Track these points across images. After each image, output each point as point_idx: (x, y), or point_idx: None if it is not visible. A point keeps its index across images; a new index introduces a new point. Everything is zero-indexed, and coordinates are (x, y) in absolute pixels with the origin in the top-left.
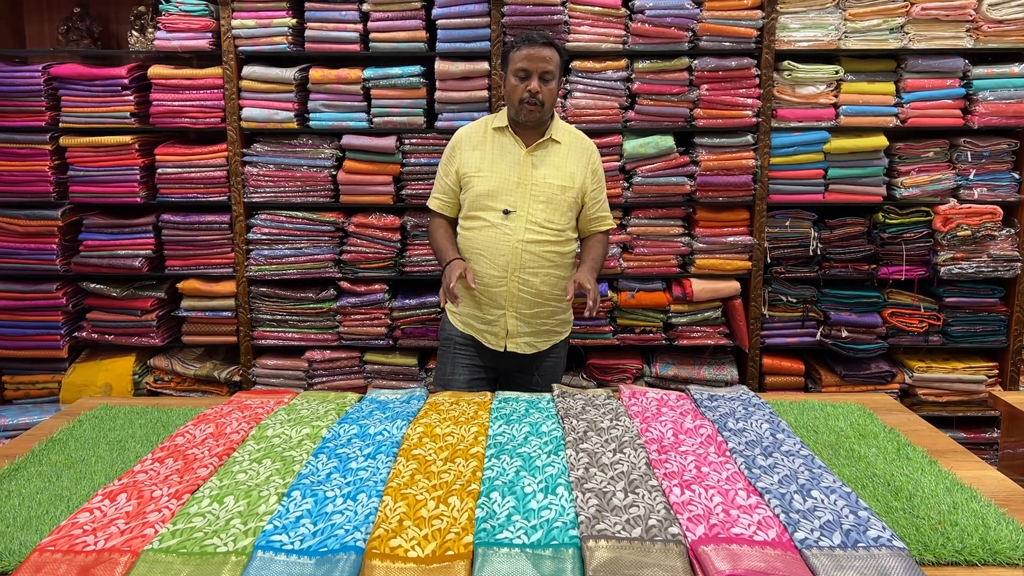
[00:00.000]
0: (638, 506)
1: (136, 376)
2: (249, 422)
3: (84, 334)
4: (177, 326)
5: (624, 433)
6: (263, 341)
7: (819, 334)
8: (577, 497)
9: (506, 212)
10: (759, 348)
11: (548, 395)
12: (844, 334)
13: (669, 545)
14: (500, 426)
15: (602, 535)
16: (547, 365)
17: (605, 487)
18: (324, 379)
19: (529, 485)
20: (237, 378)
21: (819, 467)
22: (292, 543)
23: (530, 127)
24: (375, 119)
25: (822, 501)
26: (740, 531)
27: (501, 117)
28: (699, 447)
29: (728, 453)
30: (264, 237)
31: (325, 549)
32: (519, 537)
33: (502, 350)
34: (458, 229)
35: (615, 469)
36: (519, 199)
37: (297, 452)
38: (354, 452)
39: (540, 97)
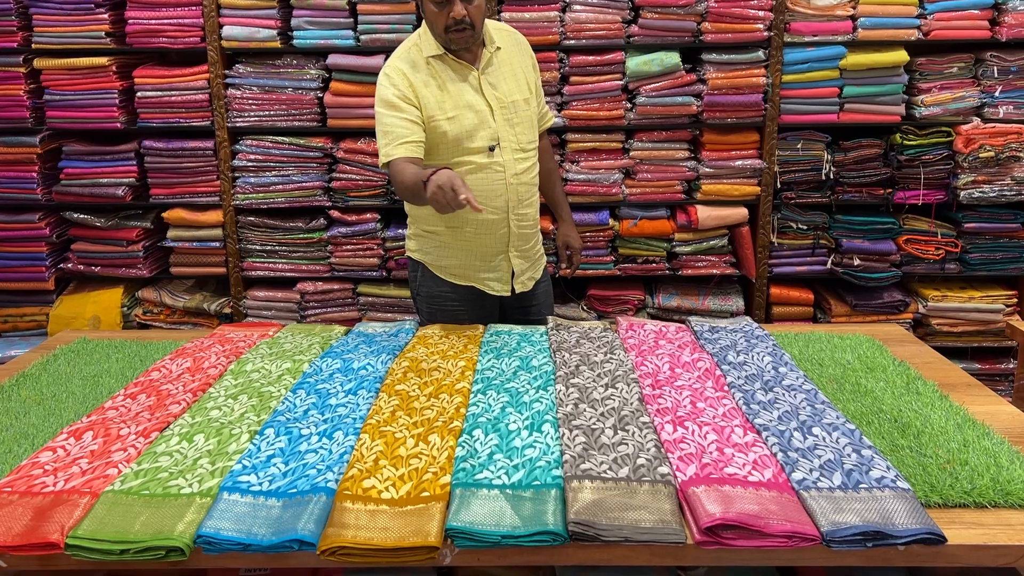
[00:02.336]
0: (627, 444)
1: (125, 308)
2: (229, 356)
3: (70, 265)
4: (165, 257)
5: (618, 367)
6: (253, 272)
7: (830, 262)
8: (564, 435)
9: (491, 148)
10: (767, 278)
11: (542, 328)
12: (856, 262)
13: (657, 486)
14: (489, 360)
15: (587, 475)
16: (541, 291)
17: (594, 424)
18: (317, 311)
19: (514, 422)
20: (228, 310)
21: (822, 403)
22: (260, 483)
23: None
24: (362, 36)
25: (823, 439)
26: (734, 471)
27: (430, 43)
28: (696, 381)
29: (726, 388)
30: (250, 164)
31: (295, 490)
32: (499, 477)
33: (509, 294)
34: None
35: (606, 405)
36: (499, 129)
37: (275, 388)
38: (335, 388)
39: (469, 19)
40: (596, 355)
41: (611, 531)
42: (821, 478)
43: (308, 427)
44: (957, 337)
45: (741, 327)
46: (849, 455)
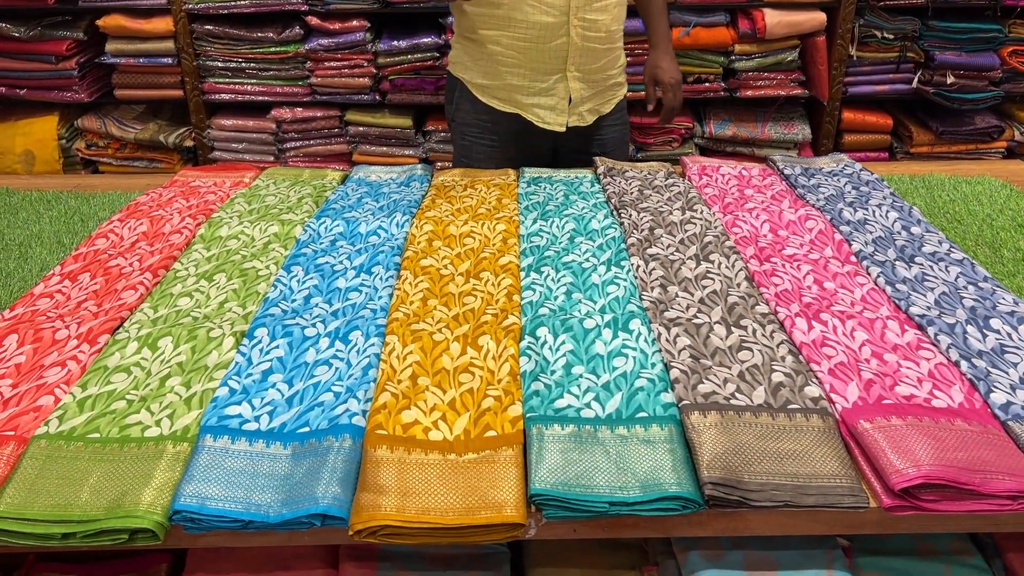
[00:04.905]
0: (751, 350)
1: (63, 141)
2: (196, 215)
3: None
4: (106, 77)
5: (705, 231)
6: (216, 96)
7: (916, 80)
8: (660, 335)
9: None
10: (839, 100)
11: (587, 173)
12: (949, 80)
13: (812, 419)
14: (534, 222)
15: (711, 403)
16: (611, 136)
17: (696, 317)
18: (298, 144)
19: (589, 316)
20: (189, 143)
21: (985, 279)
22: (257, 418)
23: None
24: None
25: (1009, 336)
26: (910, 391)
27: None
28: (811, 250)
29: (855, 259)
30: None
31: (306, 429)
32: (589, 406)
33: (562, 128)
34: None
35: (703, 287)
36: None
37: (262, 262)
38: (340, 263)
39: None
40: (671, 212)
41: (762, 492)
42: None
43: (313, 324)
44: None
45: (840, 168)
46: None
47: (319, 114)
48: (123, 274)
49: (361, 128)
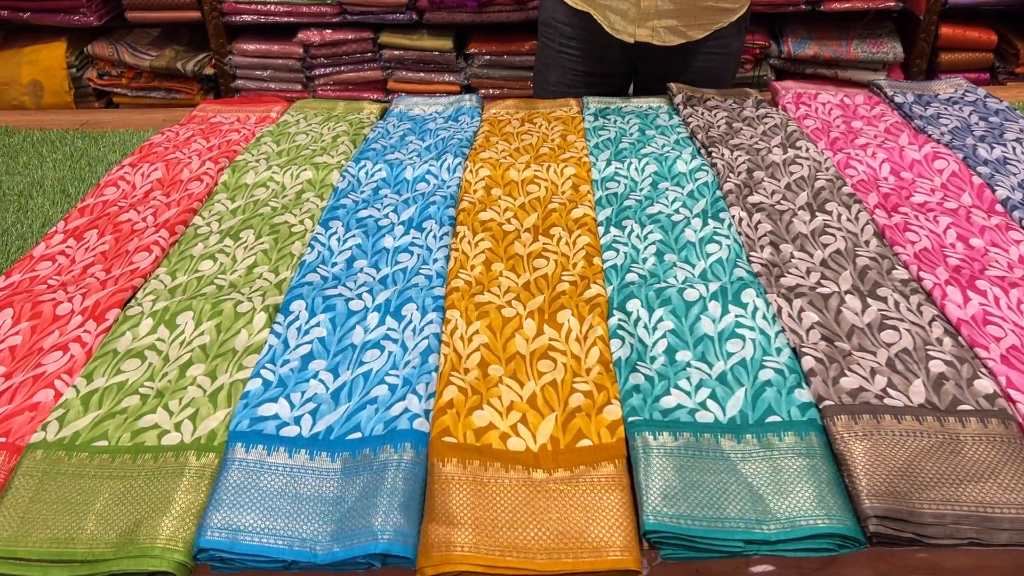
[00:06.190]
0: (895, 328)
1: (73, 70)
2: (218, 159)
3: None
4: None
5: (815, 173)
6: (238, 18)
7: None
8: (781, 309)
9: None
10: (937, 12)
11: (661, 102)
12: None
13: (991, 425)
14: (608, 164)
15: (862, 405)
16: (702, 67)
17: (821, 286)
18: (327, 71)
19: (689, 283)
20: (209, 70)
21: None
22: (298, 418)
23: None
24: None
25: None
26: None
27: None
28: (946, 197)
29: (1000, 207)
30: None
31: (358, 435)
32: (705, 408)
33: (631, 39)
34: None
35: (823, 245)
36: None
37: (295, 215)
38: (386, 215)
39: None
40: (770, 151)
41: (940, 527)
42: None
43: (359, 295)
44: None
45: (960, 95)
46: None
47: (350, 36)
48: (135, 231)
49: (396, 52)
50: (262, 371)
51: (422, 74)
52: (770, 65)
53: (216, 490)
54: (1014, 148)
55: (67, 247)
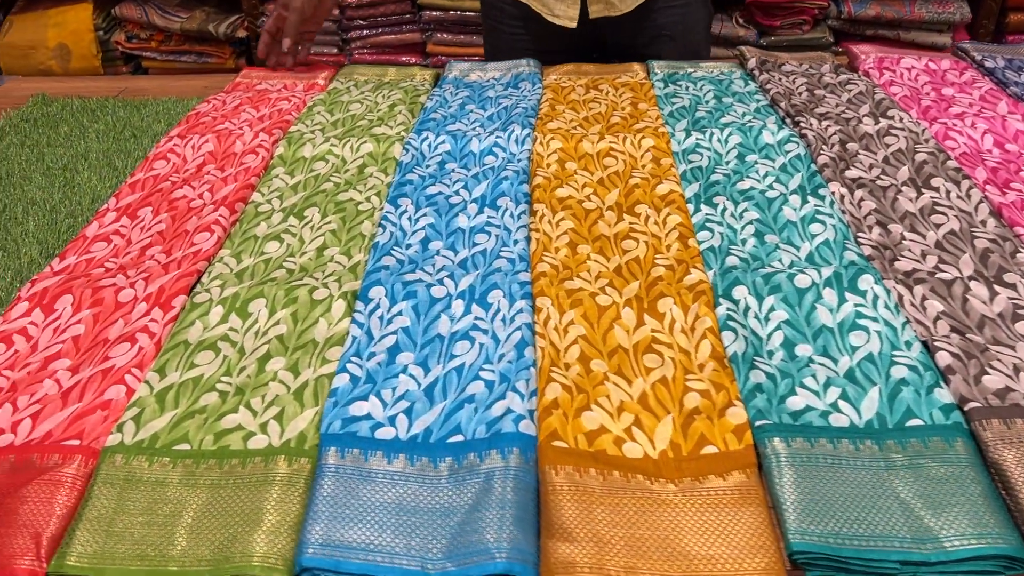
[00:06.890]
0: None
1: (100, 33)
2: (271, 130)
3: None
4: None
5: (914, 144)
6: None
7: None
8: (903, 298)
9: None
10: None
11: (731, 67)
12: None
13: None
14: (687, 135)
15: (1012, 407)
16: (668, 22)
17: (940, 270)
18: (365, 33)
19: (798, 268)
20: (242, 33)
21: None
22: (392, 419)
23: None
24: None
25: None
26: None
27: None
28: None
29: None
30: None
31: (459, 438)
32: (836, 409)
33: (573, 24)
34: None
35: (937, 228)
36: None
37: (360, 192)
38: (456, 192)
39: None
40: (860, 121)
41: None
42: None
43: (439, 280)
44: None
45: None
46: None
47: None
48: (192, 209)
49: (436, 13)
50: (348, 365)
51: (463, 36)
52: (828, 26)
53: (313, 501)
54: None
55: (121, 226)
